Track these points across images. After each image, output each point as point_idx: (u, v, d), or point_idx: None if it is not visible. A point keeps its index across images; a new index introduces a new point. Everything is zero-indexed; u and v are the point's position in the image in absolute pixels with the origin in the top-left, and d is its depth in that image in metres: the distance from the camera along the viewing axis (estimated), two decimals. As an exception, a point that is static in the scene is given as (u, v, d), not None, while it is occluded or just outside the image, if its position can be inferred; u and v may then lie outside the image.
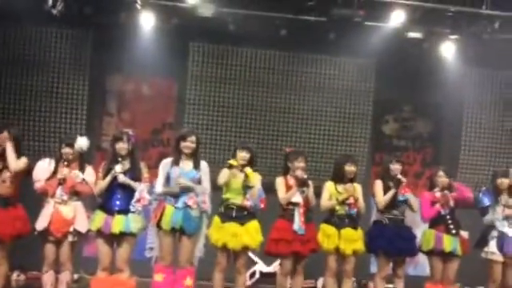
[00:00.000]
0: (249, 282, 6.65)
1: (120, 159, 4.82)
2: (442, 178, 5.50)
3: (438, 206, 5.43)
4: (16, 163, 4.84)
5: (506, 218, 5.52)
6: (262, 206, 5.11)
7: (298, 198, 5.22)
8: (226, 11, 6.59)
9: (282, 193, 5.22)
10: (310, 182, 5.33)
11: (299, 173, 5.21)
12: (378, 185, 5.45)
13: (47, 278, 4.95)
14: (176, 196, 4.81)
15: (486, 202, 5.59)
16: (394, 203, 5.37)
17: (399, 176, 5.37)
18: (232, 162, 5.01)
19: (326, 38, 6.83)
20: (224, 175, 5.01)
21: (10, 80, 6.90)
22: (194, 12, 6.48)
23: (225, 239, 4.98)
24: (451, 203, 5.42)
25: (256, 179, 5.08)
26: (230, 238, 4.97)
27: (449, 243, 5.41)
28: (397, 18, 6.55)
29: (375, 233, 5.40)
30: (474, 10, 6.61)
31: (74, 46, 6.97)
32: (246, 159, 5.09)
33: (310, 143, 7.30)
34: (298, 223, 5.16)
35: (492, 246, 5.47)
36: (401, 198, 5.35)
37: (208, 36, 7.11)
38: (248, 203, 5.02)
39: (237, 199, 5.04)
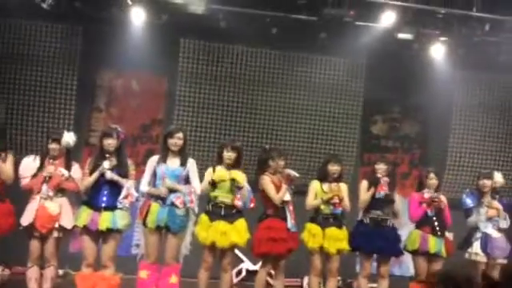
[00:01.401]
0: (235, 280, 6.67)
1: (108, 155, 4.80)
2: (432, 180, 5.54)
3: (424, 205, 5.47)
4: (7, 174, 4.82)
5: (490, 219, 5.58)
6: (252, 205, 5.13)
7: (287, 196, 5.23)
8: (218, 8, 6.57)
9: (273, 191, 5.19)
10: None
11: (290, 171, 5.22)
12: (363, 185, 5.50)
13: (31, 273, 4.94)
14: (161, 199, 4.80)
15: (470, 203, 5.64)
16: (375, 203, 5.39)
17: (379, 175, 5.40)
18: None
19: (316, 37, 6.83)
20: (206, 186, 5.00)
21: (-3, 74, 6.85)
22: (185, 8, 6.45)
23: (213, 238, 4.97)
24: (442, 205, 5.45)
25: (243, 179, 5.09)
26: (219, 237, 4.97)
27: (434, 244, 5.46)
28: (387, 19, 6.56)
29: (356, 231, 5.45)
30: (464, 13, 6.64)
31: (64, 41, 6.91)
32: (232, 159, 5.09)
33: (298, 142, 7.31)
34: (290, 221, 5.19)
35: (476, 247, 5.54)
36: (377, 195, 5.37)
37: (199, 33, 7.08)
38: (239, 203, 5.02)
39: (225, 197, 5.04)
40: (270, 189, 5.19)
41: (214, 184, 5.00)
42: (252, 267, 6.92)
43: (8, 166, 4.87)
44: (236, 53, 7.26)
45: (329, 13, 6.45)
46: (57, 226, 4.89)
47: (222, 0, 6.59)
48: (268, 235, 5.13)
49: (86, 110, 7.09)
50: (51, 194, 4.88)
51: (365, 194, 5.42)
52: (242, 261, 6.91)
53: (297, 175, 5.23)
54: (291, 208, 5.23)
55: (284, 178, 5.24)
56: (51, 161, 4.94)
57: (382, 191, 5.36)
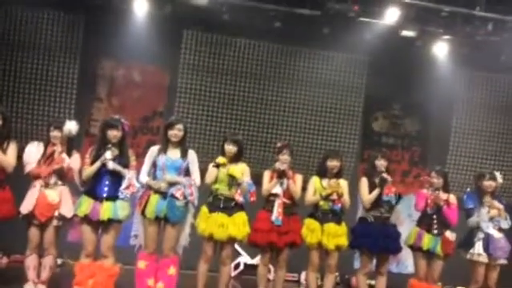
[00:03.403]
0: (233, 273, 6.68)
1: (110, 146, 4.79)
2: (433, 180, 5.53)
3: (428, 201, 5.46)
4: (8, 162, 4.80)
5: (491, 219, 5.57)
6: (252, 199, 5.14)
7: (277, 189, 5.26)
8: (221, 1, 6.55)
9: (264, 184, 5.30)
10: (297, 176, 5.36)
11: (277, 164, 5.26)
12: (363, 182, 5.48)
13: (30, 261, 4.94)
14: (160, 192, 4.79)
15: (471, 204, 5.63)
16: (379, 202, 5.39)
17: (384, 175, 5.37)
18: (219, 160, 5.00)
19: (319, 32, 6.81)
20: (212, 174, 5.02)
21: (-1, 61, 6.82)
22: (188, 0, 6.43)
23: (211, 229, 5.00)
24: (441, 203, 5.43)
25: (244, 173, 5.10)
26: (216, 229, 5.00)
27: (428, 241, 5.47)
28: (391, 16, 6.55)
29: (360, 230, 5.43)
30: (467, 12, 6.63)
31: (66, 30, 6.87)
32: (233, 152, 5.10)
33: (299, 137, 7.31)
34: (275, 214, 5.22)
35: (478, 247, 5.53)
36: (385, 198, 5.37)
37: (202, 25, 7.05)
38: (240, 199, 5.04)
39: (225, 190, 5.05)
40: (264, 181, 5.30)
41: (218, 166, 5.00)
42: (250, 261, 6.94)
43: (9, 154, 4.84)
44: (238, 46, 7.24)
45: (332, 8, 6.43)
46: (56, 214, 4.89)
47: (226, -8, 6.56)
48: (253, 226, 5.20)
49: (87, 99, 7.06)
50: (52, 181, 4.87)
51: (367, 192, 5.39)
52: (240, 254, 6.93)
53: (281, 168, 5.21)
54: (280, 202, 5.23)
55: (275, 171, 5.25)
56: (53, 148, 4.92)
57: (392, 193, 5.34)
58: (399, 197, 5.52)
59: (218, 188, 5.07)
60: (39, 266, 4.96)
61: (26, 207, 4.88)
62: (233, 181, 5.04)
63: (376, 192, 5.36)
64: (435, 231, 5.48)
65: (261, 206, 5.36)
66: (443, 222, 5.50)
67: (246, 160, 5.34)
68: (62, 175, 4.94)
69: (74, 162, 4.95)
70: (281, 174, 5.24)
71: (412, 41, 6.89)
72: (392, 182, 5.40)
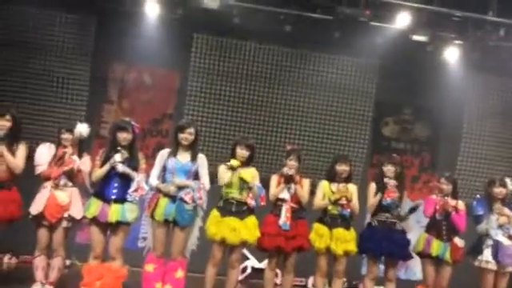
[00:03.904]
0: (240, 277, 6.67)
1: (119, 148, 4.80)
2: (443, 186, 5.50)
3: (437, 207, 5.42)
4: (16, 164, 4.83)
5: (501, 226, 5.52)
6: (263, 203, 5.15)
7: (284, 194, 5.26)
8: (232, 4, 6.56)
9: (271, 189, 5.30)
10: (304, 181, 5.35)
11: (285, 169, 5.25)
12: (371, 187, 5.46)
13: (39, 262, 4.97)
14: (169, 196, 4.80)
15: (480, 210, 5.59)
16: (381, 207, 5.36)
17: (386, 180, 5.34)
18: (233, 163, 5.00)
19: (330, 36, 6.80)
20: (226, 176, 5.02)
21: (11, 63, 6.87)
22: (199, 3, 6.45)
23: (224, 234, 5.00)
24: (450, 209, 5.40)
25: (254, 177, 5.09)
26: (229, 233, 5.00)
27: (437, 248, 5.43)
28: (402, 20, 6.52)
29: (365, 234, 5.42)
30: (480, 16, 6.59)
31: (78, 32, 6.93)
32: (245, 157, 5.11)
33: (308, 141, 7.30)
34: (283, 219, 5.21)
35: (487, 254, 5.48)
36: (384, 202, 5.34)
37: (212, 28, 7.08)
38: (252, 202, 5.04)
39: (236, 194, 5.06)
40: (271, 185, 5.30)
41: (232, 169, 5.00)
42: (257, 265, 6.93)
43: (19, 156, 4.87)
44: (248, 49, 7.25)
45: (343, 12, 6.42)
46: (66, 215, 4.92)
47: (237, -4, 6.58)
48: (261, 230, 5.19)
49: (98, 101, 7.11)
50: (62, 182, 4.90)
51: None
52: (247, 258, 6.92)
53: (289, 173, 5.20)
54: (288, 207, 5.22)
55: (283, 176, 5.24)
56: (64, 150, 4.95)
57: (389, 198, 5.30)
58: (413, 208, 5.43)
59: (230, 192, 5.07)
60: (48, 266, 4.99)
61: (36, 208, 4.91)
62: (243, 184, 5.04)
63: (377, 197, 5.34)
64: (444, 237, 5.44)
65: (267, 210, 5.35)
66: (452, 228, 5.46)
67: (255, 164, 5.34)
68: (72, 177, 4.97)
69: (84, 164, 4.98)
70: (288, 179, 5.23)
71: (423, 45, 6.86)
72: (393, 186, 5.33)
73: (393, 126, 7.66)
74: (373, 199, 5.37)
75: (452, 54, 6.94)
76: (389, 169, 5.40)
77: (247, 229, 5.03)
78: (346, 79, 7.37)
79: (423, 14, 6.56)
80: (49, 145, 5.06)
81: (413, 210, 5.39)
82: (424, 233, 5.59)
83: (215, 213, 5.07)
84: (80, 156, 5.00)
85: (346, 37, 6.77)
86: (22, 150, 4.92)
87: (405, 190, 5.52)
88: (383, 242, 5.29)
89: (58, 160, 4.91)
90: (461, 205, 5.51)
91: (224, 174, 5.04)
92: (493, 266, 5.47)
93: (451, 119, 7.55)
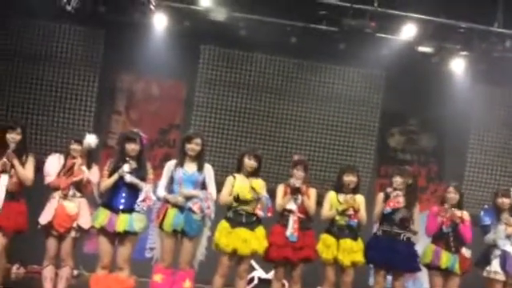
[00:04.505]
0: (247, 288, 6.66)
1: (128, 159, 4.84)
2: (451, 194, 5.47)
3: (440, 220, 5.40)
4: (26, 176, 4.86)
5: (508, 236, 5.50)
6: (270, 214, 5.16)
7: (291, 205, 5.25)
8: (239, 16, 6.63)
9: (278, 199, 5.29)
10: (311, 191, 5.35)
11: (292, 180, 5.25)
12: (379, 197, 5.46)
13: (47, 272, 4.98)
14: (177, 206, 4.82)
15: (487, 220, 5.56)
16: (388, 217, 5.35)
17: (388, 189, 5.36)
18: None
19: (336, 48, 6.85)
20: (227, 200, 5.05)
21: (20, 74, 6.95)
22: (206, 15, 6.53)
23: (235, 245, 5.00)
24: (457, 220, 5.38)
25: (261, 187, 5.12)
26: (240, 244, 5.00)
27: (446, 260, 5.39)
28: (408, 32, 6.57)
29: (370, 244, 5.41)
30: (485, 28, 6.63)
31: (87, 44, 7.02)
32: (254, 167, 5.13)
33: (315, 152, 7.32)
34: (290, 230, 5.19)
35: (495, 265, 5.44)
36: (385, 211, 5.33)
37: (219, 40, 7.15)
38: (261, 213, 5.07)
39: (246, 206, 5.08)
40: (277, 196, 5.28)
41: (237, 200, 5.04)
42: (264, 275, 6.91)
43: (28, 169, 4.91)
44: (255, 61, 7.31)
45: (349, 24, 6.47)
46: (74, 225, 4.94)
47: (243, 8, 6.64)
48: (268, 240, 5.18)
49: (106, 112, 7.17)
50: (71, 192, 4.94)
51: (379, 207, 5.39)
52: (254, 269, 6.91)
53: (296, 184, 5.22)
54: (295, 218, 5.22)
55: (290, 188, 5.26)
56: (74, 161, 5.00)
57: (389, 207, 5.29)
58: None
59: (238, 205, 5.08)
60: (56, 276, 4.99)
61: (45, 218, 4.94)
62: (253, 193, 5.05)
63: (380, 206, 5.35)
64: (453, 249, 5.41)
65: (273, 221, 5.35)
66: (459, 239, 5.44)
67: (263, 174, 5.36)
68: (81, 187, 5.01)
69: (93, 174, 5.01)
70: (295, 191, 5.25)
71: (429, 57, 6.90)
72: (396, 196, 5.32)
73: (399, 136, 7.67)
74: (376, 209, 5.38)
75: (458, 66, 6.98)
76: (396, 180, 5.39)
77: (257, 239, 5.04)
78: (352, 90, 7.40)
79: (429, 26, 6.61)
80: (58, 155, 5.10)
81: None
82: (431, 244, 5.54)
83: (224, 224, 5.07)
84: (89, 167, 5.04)
85: (351, 48, 6.82)
86: (30, 161, 4.96)
87: (416, 202, 5.47)
88: (387, 253, 5.27)
89: (68, 171, 4.95)
90: (466, 215, 5.50)
91: (227, 189, 5.05)
92: (501, 276, 5.42)
93: (457, 130, 7.55)
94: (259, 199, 5.05)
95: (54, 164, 5.02)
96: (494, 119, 7.56)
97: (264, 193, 5.13)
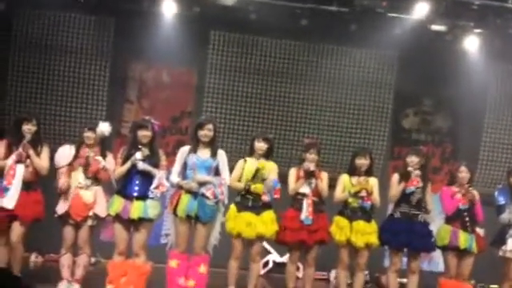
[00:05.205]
0: (262, 271, 6.69)
1: (140, 146, 4.86)
2: (463, 174, 5.43)
3: (458, 196, 5.34)
4: (42, 165, 4.94)
5: (524, 216, 5.45)
6: (276, 196, 5.17)
7: (305, 188, 5.27)
8: (248, 0, 6.57)
9: (291, 183, 5.31)
10: (323, 174, 5.35)
11: (305, 164, 5.25)
12: (394, 178, 5.42)
13: (65, 260, 5.06)
14: (191, 192, 4.85)
15: (502, 200, 5.52)
16: (406, 197, 5.33)
17: (409, 168, 5.30)
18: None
19: (347, 29, 6.77)
20: (236, 186, 5.12)
21: (32, 64, 7.00)
22: (215, 0, 6.48)
23: (239, 228, 5.08)
24: (476, 198, 5.33)
25: (271, 171, 5.12)
26: (244, 227, 5.07)
27: (464, 240, 5.37)
28: (420, 10, 6.46)
29: (385, 226, 5.39)
30: (499, 4, 6.49)
31: (97, 33, 7.03)
32: (264, 150, 5.15)
33: (328, 135, 7.28)
34: (305, 213, 5.22)
35: (510, 244, 5.41)
36: (407, 190, 5.30)
37: (229, 25, 7.11)
38: (267, 198, 5.09)
39: (253, 189, 5.10)
40: (290, 180, 5.31)
41: (248, 192, 5.11)
42: (279, 259, 6.95)
43: (44, 158, 4.98)
44: (265, 45, 7.26)
45: (360, 4, 6.40)
46: (91, 214, 5.01)
47: (252, -8, 6.59)
48: (282, 224, 5.23)
49: (118, 101, 7.20)
50: (88, 183, 5.00)
51: (395, 188, 5.35)
52: (269, 252, 6.94)
53: (311, 168, 5.20)
54: (309, 201, 5.23)
55: (303, 170, 5.25)
56: (87, 149, 5.05)
57: (413, 186, 5.26)
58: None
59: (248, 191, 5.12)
60: (73, 264, 5.08)
61: (61, 207, 5.01)
62: (259, 174, 5.07)
63: (400, 186, 5.30)
64: (469, 228, 5.38)
65: (287, 204, 5.36)
66: (473, 218, 5.41)
67: (274, 159, 5.35)
68: (97, 176, 5.06)
69: (109, 163, 5.07)
70: (309, 174, 5.24)
71: (442, 35, 6.79)
72: (417, 176, 5.28)
73: (413, 117, 7.60)
74: (395, 189, 5.33)
75: (472, 43, 6.85)
76: (412, 160, 5.35)
77: (263, 223, 5.09)
78: (365, 72, 7.33)
79: (441, 4, 6.48)
80: (69, 147, 5.16)
81: None
82: (445, 225, 5.49)
83: (233, 208, 5.15)
84: (103, 155, 5.09)
85: (363, 29, 6.73)
86: (45, 151, 5.03)
87: (429, 182, 5.45)
88: (404, 234, 5.26)
89: (85, 164, 5.00)
90: (476, 194, 5.47)
91: (238, 172, 5.11)
92: (517, 255, 5.40)
93: (472, 109, 7.45)
94: (263, 180, 5.04)
95: (64, 155, 5.08)
96: (509, 98, 7.43)
97: (273, 175, 5.13)
